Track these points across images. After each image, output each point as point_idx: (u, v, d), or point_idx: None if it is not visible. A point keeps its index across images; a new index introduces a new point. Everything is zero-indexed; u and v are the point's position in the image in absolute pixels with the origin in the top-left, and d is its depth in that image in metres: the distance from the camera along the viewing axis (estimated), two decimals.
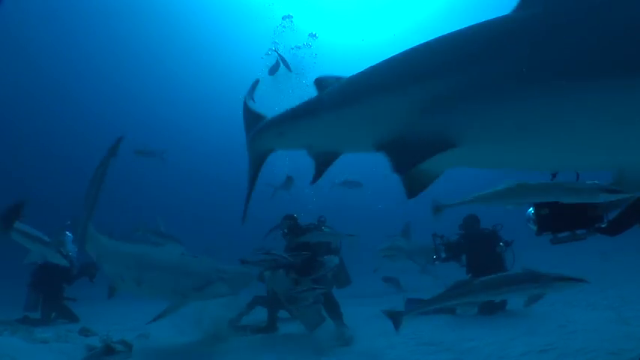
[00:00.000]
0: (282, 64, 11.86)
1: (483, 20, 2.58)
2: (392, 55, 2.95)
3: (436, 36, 2.73)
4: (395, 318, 3.96)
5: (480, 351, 4.72)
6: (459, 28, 2.65)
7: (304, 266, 6.00)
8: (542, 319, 5.95)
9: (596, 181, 2.78)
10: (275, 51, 12.66)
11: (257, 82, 4.84)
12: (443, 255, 7.06)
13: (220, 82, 35.22)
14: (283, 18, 19.28)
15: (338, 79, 3.35)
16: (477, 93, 2.34)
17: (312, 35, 18.35)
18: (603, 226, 2.95)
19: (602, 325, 5.20)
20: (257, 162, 4.17)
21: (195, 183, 36.31)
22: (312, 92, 3.56)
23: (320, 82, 3.47)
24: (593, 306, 6.54)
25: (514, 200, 3.00)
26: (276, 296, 6.27)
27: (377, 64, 3.05)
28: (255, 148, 4.19)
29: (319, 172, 3.42)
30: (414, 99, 2.56)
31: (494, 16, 2.56)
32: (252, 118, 4.29)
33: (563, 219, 2.94)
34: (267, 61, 12.69)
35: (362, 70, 3.15)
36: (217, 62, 36.33)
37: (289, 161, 11.23)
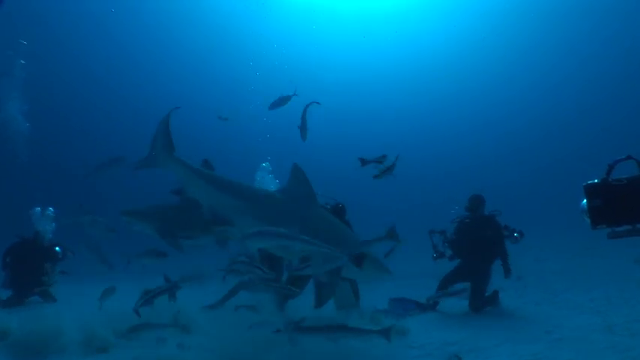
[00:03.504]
0: None
1: None
2: None
3: None
4: None
5: (465, 357, 4.55)
6: None
7: None
8: (528, 322, 5.82)
9: None
10: None
11: None
12: (448, 252, 6.83)
13: None
14: None
15: None
16: None
17: None
18: None
19: (589, 334, 5.05)
20: None
21: None
22: None
23: None
24: (580, 309, 6.42)
25: None
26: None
27: None
28: None
29: None
30: None
31: None
32: None
33: (619, 210, 2.67)
34: None
35: None
36: None
37: None
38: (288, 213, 5.33)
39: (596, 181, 2.74)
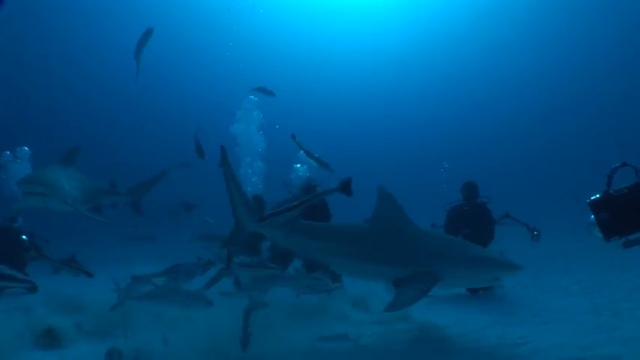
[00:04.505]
0: None
1: None
2: None
3: None
4: None
5: (454, 340, 4.62)
6: None
7: None
8: (516, 305, 5.88)
9: None
10: None
11: None
12: None
13: None
14: None
15: None
16: None
17: None
18: None
19: (575, 316, 5.10)
20: None
21: None
22: None
23: None
24: (566, 291, 6.49)
25: None
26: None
27: None
28: None
29: None
30: None
31: None
32: None
33: (628, 220, 2.72)
34: None
35: None
36: None
37: None
38: (382, 241, 4.99)
39: (598, 195, 2.78)
